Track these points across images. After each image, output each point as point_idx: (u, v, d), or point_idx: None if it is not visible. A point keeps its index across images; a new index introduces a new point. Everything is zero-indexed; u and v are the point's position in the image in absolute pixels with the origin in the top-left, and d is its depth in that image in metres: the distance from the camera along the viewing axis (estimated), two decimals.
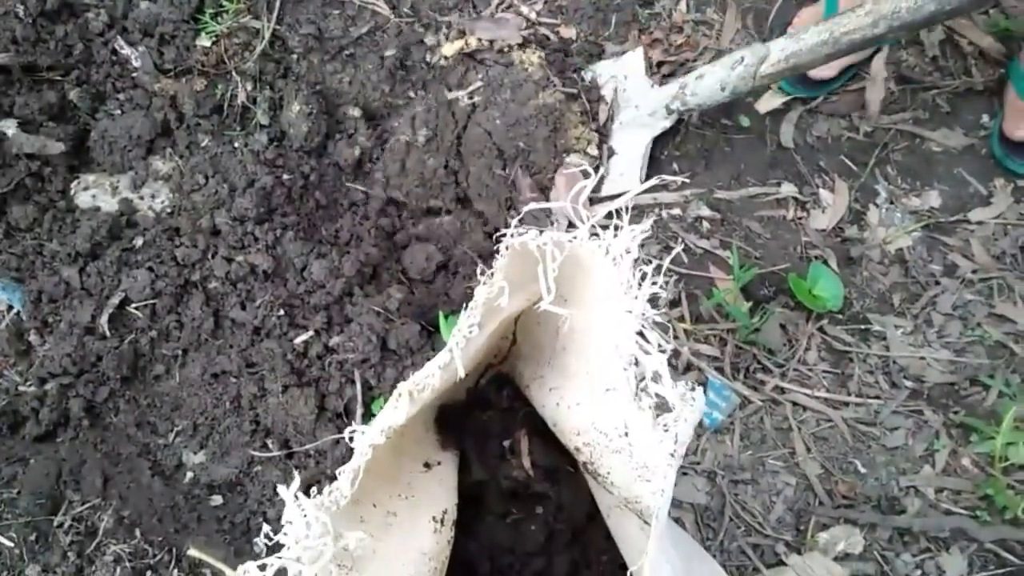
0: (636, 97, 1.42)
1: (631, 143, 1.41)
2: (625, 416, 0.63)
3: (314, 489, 0.64)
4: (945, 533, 1.11)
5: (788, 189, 1.40)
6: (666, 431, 0.54)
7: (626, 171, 1.40)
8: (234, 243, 1.29)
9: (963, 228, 1.36)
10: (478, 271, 0.78)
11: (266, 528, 0.57)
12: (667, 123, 1.38)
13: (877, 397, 1.22)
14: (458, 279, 1.40)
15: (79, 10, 1.39)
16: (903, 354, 1.24)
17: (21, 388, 1.23)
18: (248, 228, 1.30)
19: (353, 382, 1.24)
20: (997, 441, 1.13)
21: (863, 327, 1.27)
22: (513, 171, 1.40)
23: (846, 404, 1.21)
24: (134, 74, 1.39)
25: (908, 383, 1.23)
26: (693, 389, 0.57)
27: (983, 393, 1.22)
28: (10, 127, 1.31)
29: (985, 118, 1.46)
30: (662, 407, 0.60)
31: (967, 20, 1.51)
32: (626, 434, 0.63)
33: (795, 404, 1.21)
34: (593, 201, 1.40)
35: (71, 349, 1.21)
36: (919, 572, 1.11)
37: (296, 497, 0.58)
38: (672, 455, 0.56)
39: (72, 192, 1.33)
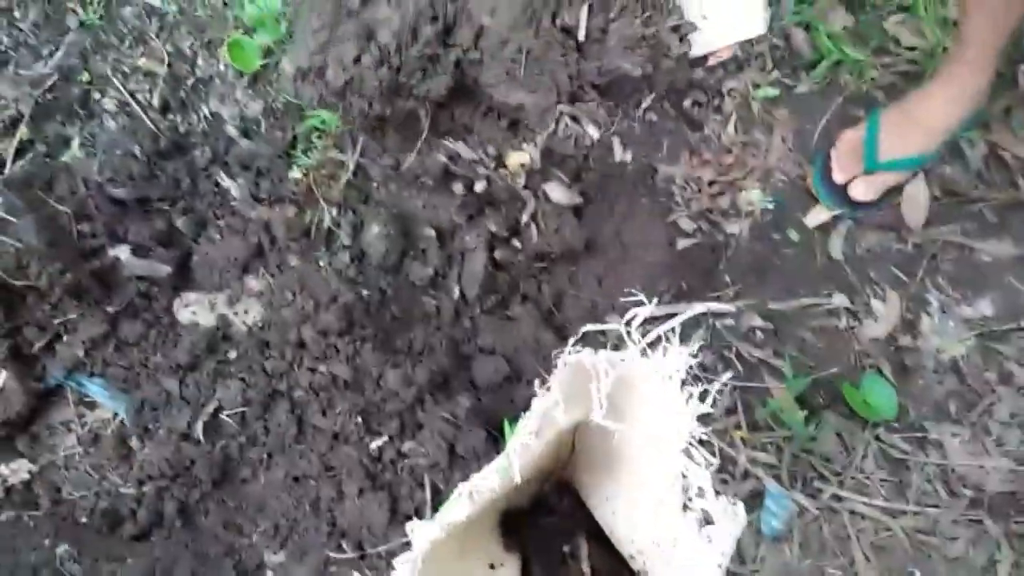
0: None
1: None
2: (675, 529, 0.69)
3: None
4: None
5: (840, 300, 1.45)
6: (710, 542, 0.60)
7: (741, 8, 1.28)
8: (318, 355, 1.41)
9: (1018, 336, 1.38)
10: (536, 383, 0.85)
11: None
12: None
13: (936, 506, 1.23)
14: (522, 385, 1.48)
15: (187, 148, 1.58)
16: (961, 462, 1.26)
17: (122, 490, 1.34)
18: (330, 340, 1.41)
19: (423, 486, 1.32)
20: None
21: (920, 435, 1.30)
22: None
23: (904, 513, 1.22)
24: (233, 203, 1.56)
25: (967, 492, 1.23)
26: (735, 504, 0.63)
27: None
28: (124, 252, 1.47)
29: None
30: (708, 520, 0.66)
31: (1008, 132, 1.57)
32: (676, 546, 0.69)
33: (853, 512, 1.23)
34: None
35: (168, 454, 1.32)
36: None
37: None
38: (719, 566, 0.61)
39: (175, 309, 1.48)
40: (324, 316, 1.42)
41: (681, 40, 1.54)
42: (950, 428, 1.30)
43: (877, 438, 1.29)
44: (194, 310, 1.49)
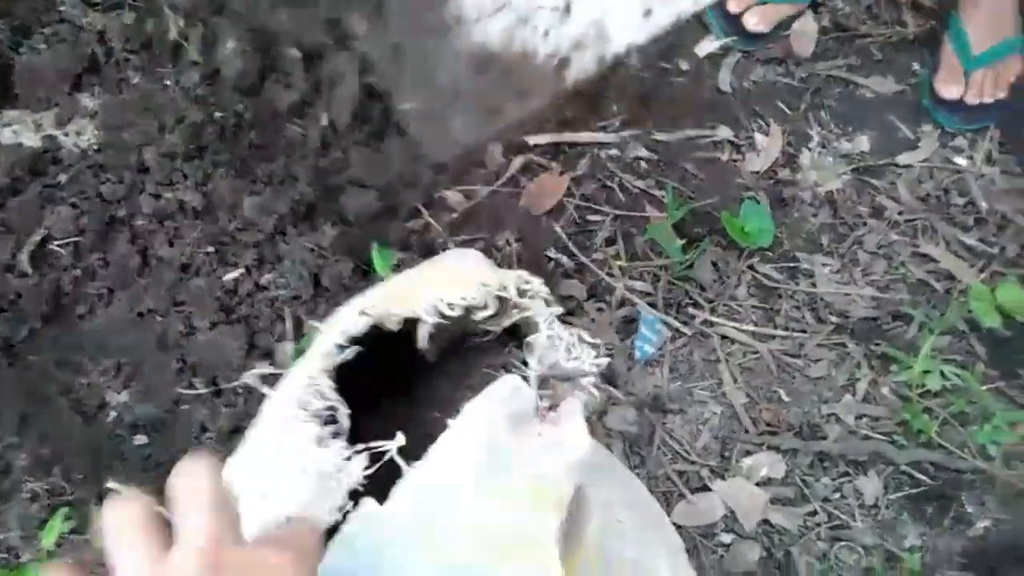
0: None
1: None
2: None
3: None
4: (863, 457, 1.15)
5: (724, 132, 1.41)
6: None
7: None
8: (162, 180, 1.27)
9: (891, 171, 1.39)
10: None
11: None
12: None
13: (803, 331, 1.24)
14: (397, 221, 1.39)
15: None
16: (829, 290, 1.27)
17: None
18: (177, 165, 1.27)
19: (283, 319, 1.23)
20: (915, 369, 1.16)
21: (792, 265, 1.30)
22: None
23: (773, 337, 1.24)
24: (60, 7, 1.36)
25: (833, 318, 1.26)
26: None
27: (904, 327, 1.25)
28: None
29: (916, 66, 1.48)
30: None
31: None
32: None
33: (723, 337, 1.23)
34: None
35: None
36: (838, 494, 1.14)
37: None
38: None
39: None
40: (169, 138, 1.28)
41: None
42: (821, 258, 1.31)
43: (751, 267, 1.29)
44: (15, 129, 1.31)
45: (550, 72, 0.77)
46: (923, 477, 1.15)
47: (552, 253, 1.31)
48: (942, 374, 1.17)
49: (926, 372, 1.16)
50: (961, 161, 1.40)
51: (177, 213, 1.26)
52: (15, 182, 1.24)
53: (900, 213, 1.35)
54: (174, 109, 1.30)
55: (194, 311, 1.23)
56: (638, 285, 1.26)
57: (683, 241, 1.27)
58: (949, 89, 1.39)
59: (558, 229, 1.33)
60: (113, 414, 1.18)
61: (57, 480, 1.12)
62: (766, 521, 1.12)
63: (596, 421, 1.15)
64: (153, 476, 1.13)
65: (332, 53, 1.45)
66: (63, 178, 1.27)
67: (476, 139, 0.84)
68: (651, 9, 0.78)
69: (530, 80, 0.76)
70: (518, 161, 1.39)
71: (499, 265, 1.31)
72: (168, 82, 1.36)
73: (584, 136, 1.40)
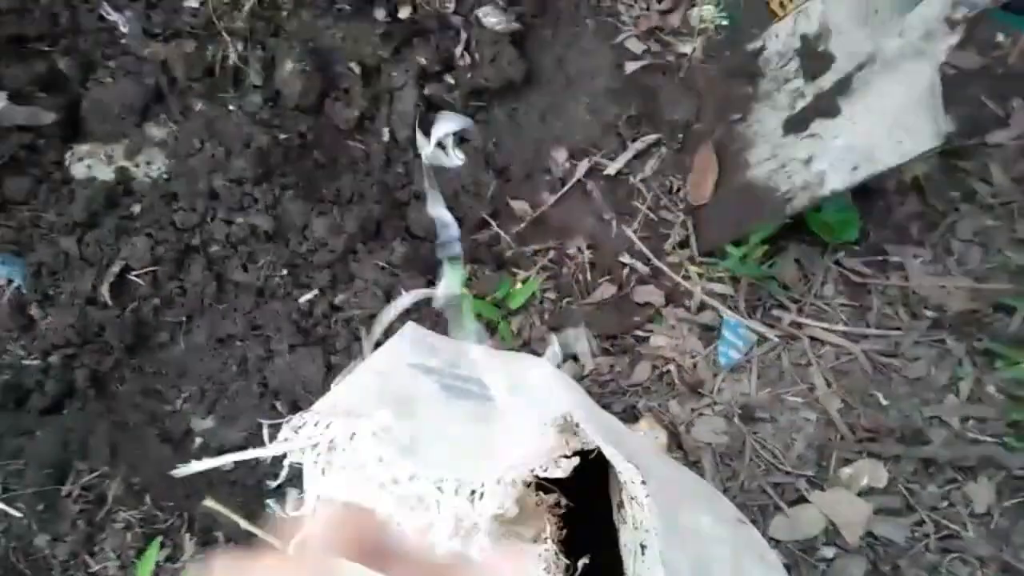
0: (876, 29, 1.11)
1: (898, 89, 1.06)
2: None
3: None
4: (972, 462, 1.08)
5: None
6: None
7: (905, 126, 1.04)
8: (233, 205, 1.27)
9: (981, 151, 1.31)
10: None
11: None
12: (955, 39, 1.02)
13: (897, 328, 1.18)
14: (463, 232, 1.37)
15: None
16: (923, 283, 1.20)
17: (25, 362, 1.21)
18: (246, 189, 1.27)
19: (359, 339, 1.22)
20: (1023, 364, 1.09)
21: (881, 258, 1.24)
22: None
23: (865, 337, 1.18)
24: (122, 40, 1.36)
25: (929, 313, 1.19)
26: None
27: (1007, 319, 1.18)
28: (0, 99, 1.29)
29: (1000, 36, 1.40)
30: None
31: None
32: None
33: (813, 339, 1.18)
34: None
35: (73, 320, 1.19)
36: (946, 503, 1.08)
37: None
38: None
39: (67, 163, 1.31)
40: (237, 163, 1.28)
41: None
42: (912, 250, 1.24)
43: (837, 263, 1.23)
44: (89, 163, 1.32)
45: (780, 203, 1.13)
46: None
47: (626, 259, 1.27)
48: None
49: None
50: None
51: (249, 238, 1.26)
52: (91, 216, 1.26)
53: (994, 196, 1.27)
54: (239, 134, 1.30)
55: (272, 335, 1.23)
56: (717, 288, 1.21)
57: (765, 245, 1.22)
58: None
59: (630, 233, 1.29)
60: (199, 440, 1.19)
61: (149, 509, 1.13)
62: (870, 533, 1.06)
63: (684, 433, 1.12)
64: (240, 502, 1.14)
65: (390, 66, 1.44)
66: (137, 209, 1.29)
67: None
68: (858, 167, 1.06)
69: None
70: (583, 165, 1.36)
71: (571, 274, 1.29)
72: (231, 107, 1.36)
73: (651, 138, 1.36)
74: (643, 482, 0.55)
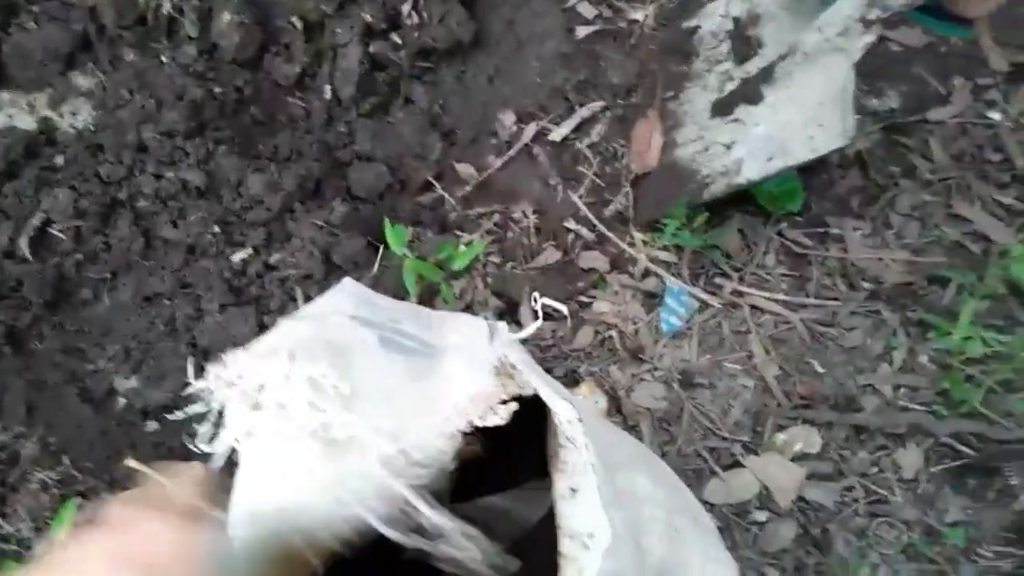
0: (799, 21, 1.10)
1: (816, 82, 1.06)
2: None
3: None
4: (902, 429, 1.10)
5: None
6: None
7: (818, 121, 1.04)
8: (163, 159, 1.22)
9: (922, 128, 1.33)
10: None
11: None
12: (870, 38, 1.02)
13: (835, 299, 1.19)
14: (406, 194, 1.34)
15: None
16: (861, 256, 1.22)
17: None
18: (177, 143, 1.22)
19: (295, 299, 1.19)
20: (955, 336, 1.11)
21: (822, 230, 1.24)
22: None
23: (804, 306, 1.19)
24: None
25: (866, 284, 1.20)
26: None
27: (941, 292, 1.20)
28: None
29: None
30: None
31: None
32: None
33: (753, 307, 1.18)
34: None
35: None
36: (876, 469, 1.10)
37: None
38: None
39: None
40: (168, 115, 1.22)
41: None
42: (852, 222, 1.25)
43: (779, 234, 1.23)
44: (9, 112, 1.26)
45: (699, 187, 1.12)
46: (965, 449, 1.10)
47: (571, 224, 1.25)
48: (983, 340, 1.12)
49: (966, 338, 1.11)
50: (995, 115, 1.33)
51: (180, 193, 1.21)
52: (10, 166, 1.19)
53: (933, 172, 1.29)
54: (171, 86, 1.24)
55: (202, 293, 1.19)
56: (662, 255, 1.21)
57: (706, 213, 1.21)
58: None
59: (576, 199, 1.27)
60: (123, 401, 1.15)
61: (67, 469, 1.09)
62: (802, 498, 1.08)
63: (624, 398, 1.11)
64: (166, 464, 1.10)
65: (334, 22, 1.39)
66: (60, 160, 1.23)
67: None
68: (773, 157, 1.06)
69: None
70: (530, 129, 1.34)
71: (515, 239, 1.27)
72: (164, 58, 1.30)
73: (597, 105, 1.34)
74: (580, 419, 0.53)
